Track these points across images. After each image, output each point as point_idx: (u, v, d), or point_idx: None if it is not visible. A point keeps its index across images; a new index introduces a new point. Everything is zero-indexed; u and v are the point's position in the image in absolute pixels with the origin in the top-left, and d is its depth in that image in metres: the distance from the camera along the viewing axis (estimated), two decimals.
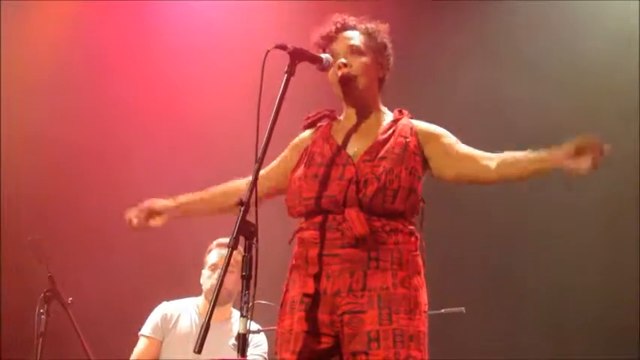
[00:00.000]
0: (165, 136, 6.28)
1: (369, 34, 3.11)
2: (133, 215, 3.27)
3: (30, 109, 6.30)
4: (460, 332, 5.12)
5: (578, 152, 2.66)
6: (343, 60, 3.03)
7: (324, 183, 2.91)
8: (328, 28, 3.13)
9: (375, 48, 3.10)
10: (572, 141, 2.67)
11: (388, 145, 2.96)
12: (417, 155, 2.97)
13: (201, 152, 6.19)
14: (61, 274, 4.44)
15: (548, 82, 5.69)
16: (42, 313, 4.25)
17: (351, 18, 3.14)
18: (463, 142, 3.04)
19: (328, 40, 3.10)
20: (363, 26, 3.13)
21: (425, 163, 3.00)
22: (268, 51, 2.84)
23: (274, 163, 3.23)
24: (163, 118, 6.30)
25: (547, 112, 5.62)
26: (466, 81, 5.77)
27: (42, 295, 4.28)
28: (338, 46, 3.08)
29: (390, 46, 3.16)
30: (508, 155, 2.88)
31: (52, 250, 4.55)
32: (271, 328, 4.18)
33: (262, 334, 4.74)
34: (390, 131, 3.01)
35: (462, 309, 4.51)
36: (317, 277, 2.88)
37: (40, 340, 4.23)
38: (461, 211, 5.56)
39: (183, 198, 3.30)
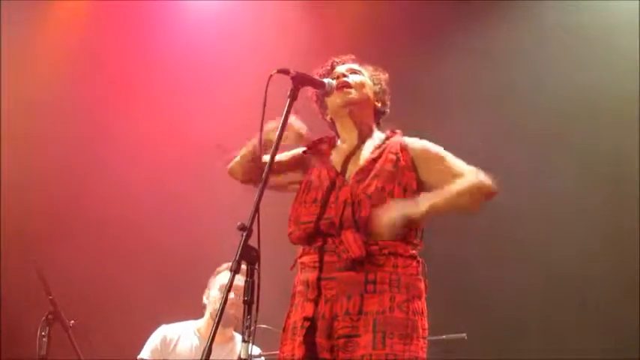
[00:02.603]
0: (169, 152, 6.29)
1: (369, 74, 3.19)
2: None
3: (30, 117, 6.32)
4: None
5: None
6: (344, 71, 3.12)
7: (321, 206, 2.93)
8: (333, 59, 3.23)
9: (372, 80, 3.19)
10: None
11: (379, 163, 2.98)
12: (409, 171, 2.97)
13: (203, 175, 6.21)
14: (62, 297, 4.43)
15: (551, 82, 5.77)
16: (43, 336, 4.24)
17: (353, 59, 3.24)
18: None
19: (332, 68, 3.18)
20: (365, 67, 3.21)
21: (419, 178, 2.99)
22: (271, 75, 2.88)
23: (285, 155, 3.18)
24: (166, 132, 6.31)
25: (551, 108, 5.72)
26: (475, 80, 5.86)
27: (44, 317, 4.26)
28: (339, 69, 3.16)
29: (387, 92, 3.23)
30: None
31: (53, 271, 4.55)
32: (273, 353, 4.17)
33: (263, 358, 4.72)
34: (380, 150, 3.03)
35: (464, 335, 4.49)
36: (316, 302, 2.89)
37: None
38: (464, 237, 5.57)
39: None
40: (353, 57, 3.24)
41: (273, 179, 2.93)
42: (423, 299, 2.93)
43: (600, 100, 5.62)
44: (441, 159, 3.01)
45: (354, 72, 3.15)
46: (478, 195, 2.89)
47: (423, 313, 2.90)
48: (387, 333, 2.79)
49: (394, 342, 2.78)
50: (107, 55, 6.45)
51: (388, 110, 3.23)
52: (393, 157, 2.99)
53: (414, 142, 3.07)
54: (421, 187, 2.97)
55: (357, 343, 2.81)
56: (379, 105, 3.18)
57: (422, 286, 2.94)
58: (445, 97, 5.90)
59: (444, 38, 6.08)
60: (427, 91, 5.84)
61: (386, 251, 2.88)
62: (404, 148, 3.02)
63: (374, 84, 3.18)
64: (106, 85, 6.39)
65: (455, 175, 2.92)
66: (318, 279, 2.90)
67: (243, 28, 6.40)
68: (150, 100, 6.37)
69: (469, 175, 2.91)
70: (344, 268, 2.87)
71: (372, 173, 2.95)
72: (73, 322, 4.32)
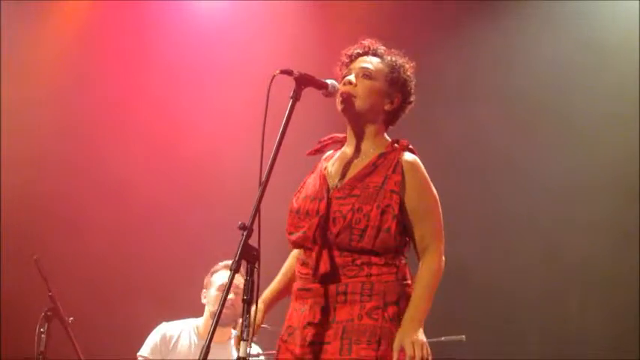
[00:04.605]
0: (171, 150, 6.29)
1: (390, 66, 3.07)
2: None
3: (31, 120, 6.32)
4: None
5: None
6: (350, 77, 3.04)
7: (302, 219, 2.96)
8: (355, 48, 3.14)
9: (389, 79, 3.05)
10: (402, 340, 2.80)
11: (364, 182, 2.95)
12: (394, 194, 2.92)
13: (206, 173, 6.22)
14: (61, 293, 4.43)
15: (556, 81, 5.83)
16: (42, 332, 4.24)
17: (382, 47, 3.13)
18: None
19: (350, 60, 3.12)
20: (389, 57, 3.10)
21: (403, 204, 2.94)
22: (274, 76, 2.87)
23: None
24: (167, 131, 6.32)
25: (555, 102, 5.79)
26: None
27: (43, 314, 4.26)
28: (354, 66, 3.08)
29: (411, 85, 3.10)
30: (418, 278, 2.92)
31: (52, 268, 4.54)
32: (271, 352, 4.18)
33: (262, 357, 4.72)
34: (374, 167, 2.98)
35: (463, 337, 4.49)
36: (296, 310, 2.95)
37: (40, 359, 4.22)
38: (463, 238, 5.58)
39: (268, 294, 3.16)
40: (375, 46, 3.13)
41: None
42: (404, 304, 2.89)
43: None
44: (430, 212, 2.98)
45: (365, 74, 3.04)
46: (438, 280, 2.94)
47: (400, 317, 2.87)
48: (353, 339, 2.82)
49: (360, 348, 2.81)
50: (107, 55, 6.45)
51: (403, 111, 3.11)
52: (381, 178, 2.94)
53: (413, 169, 2.99)
54: (404, 212, 2.93)
55: (325, 349, 2.85)
56: (388, 107, 3.06)
57: (404, 290, 2.92)
58: (444, 95, 5.91)
59: (447, 37, 6.10)
60: (426, 88, 5.85)
61: (359, 262, 2.90)
62: (398, 169, 2.96)
63: (390, 83, 3.05)
64: (108, 83, 6.38)
65: (429, 245, 2.95)
66: (299, 289, 2.96)
67: (244, 28, 6.39)
68: (152, 98, 6.37)
69: (436, 255, 2.94)
70: (317, 280, 2.90)
71: (354, 191, 2.93)
72: (72, 318, 4.33)
